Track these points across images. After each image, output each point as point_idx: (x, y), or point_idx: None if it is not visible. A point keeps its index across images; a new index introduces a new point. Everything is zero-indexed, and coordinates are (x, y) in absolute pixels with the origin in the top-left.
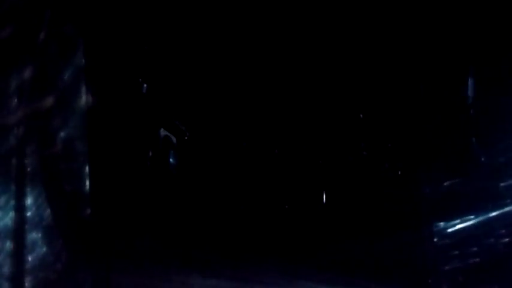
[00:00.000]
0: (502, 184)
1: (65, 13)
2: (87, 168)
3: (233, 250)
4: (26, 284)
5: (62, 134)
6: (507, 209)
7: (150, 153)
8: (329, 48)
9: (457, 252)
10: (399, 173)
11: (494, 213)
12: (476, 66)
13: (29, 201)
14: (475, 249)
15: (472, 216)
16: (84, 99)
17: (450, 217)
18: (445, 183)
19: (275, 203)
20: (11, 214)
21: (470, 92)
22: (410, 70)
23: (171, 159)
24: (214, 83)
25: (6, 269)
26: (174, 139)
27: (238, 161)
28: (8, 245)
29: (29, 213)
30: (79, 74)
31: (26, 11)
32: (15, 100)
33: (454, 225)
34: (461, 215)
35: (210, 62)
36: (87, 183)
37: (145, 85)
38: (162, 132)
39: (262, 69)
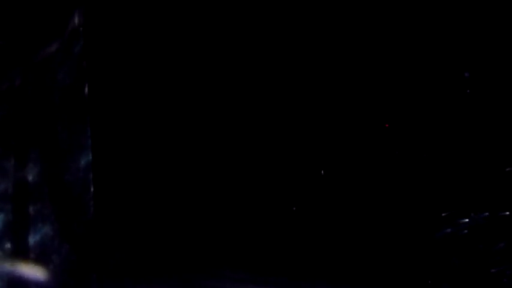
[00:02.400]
0: (505, 180)
1: None
2: (90, 171)
3: (240, 259)
4: (28, 284)
5: (65, 133)
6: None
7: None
8: (326, 45)
9: (457, 251)
10: (397, 172)
11: (497, 212)
12: (473, 59)
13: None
14: (476, 248)
15: (474, 214)
16: (86, 91)
17: (451, 215)
18: (447, 180)
19: (275, 206)
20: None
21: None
22: (408, 65)
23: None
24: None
25: (6, 268)
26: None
27: (246, 163)
28: (8, 245)
29: (30, 210)
30: (79, 69)
31: None
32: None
33: (455, 223)
34: (463, 213)
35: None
36: (91, 188)
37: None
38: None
39: (261, 66)
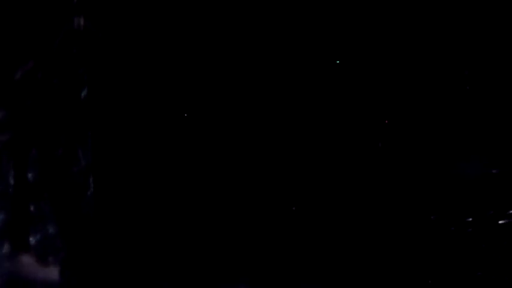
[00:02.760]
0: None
1: None
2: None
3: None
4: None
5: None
6: None
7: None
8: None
9: (458, 251)
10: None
11: (498, 211)
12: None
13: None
14: (477, 248)
15: (475, 214)
16: (86, 91)
17: (452, 215)
18: (447, 179)
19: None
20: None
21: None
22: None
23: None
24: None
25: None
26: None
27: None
28: (6, 246)
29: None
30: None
31: None
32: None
33: (456, 223)
34: (464, 212)
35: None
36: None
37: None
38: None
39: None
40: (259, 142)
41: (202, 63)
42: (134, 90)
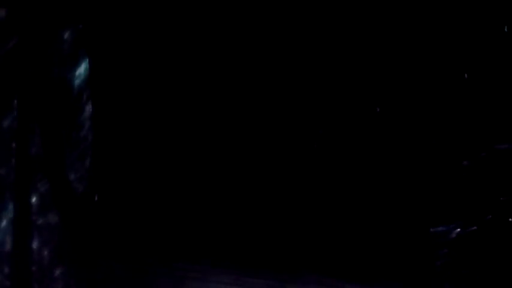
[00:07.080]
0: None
1: None
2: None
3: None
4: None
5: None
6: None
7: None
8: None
9: (460, 252)
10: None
11: (499, 212)
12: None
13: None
14: (479, 249)
15: (477, 215)
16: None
17: (453, 216)
18: (448, 180)
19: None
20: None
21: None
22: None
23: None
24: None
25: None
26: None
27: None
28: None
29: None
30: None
31: None
32: None
33: (458, 224)
34: (465, 214)
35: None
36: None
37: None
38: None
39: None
40: (257, 139)
41: (199, 64)
42: (135, 89)
